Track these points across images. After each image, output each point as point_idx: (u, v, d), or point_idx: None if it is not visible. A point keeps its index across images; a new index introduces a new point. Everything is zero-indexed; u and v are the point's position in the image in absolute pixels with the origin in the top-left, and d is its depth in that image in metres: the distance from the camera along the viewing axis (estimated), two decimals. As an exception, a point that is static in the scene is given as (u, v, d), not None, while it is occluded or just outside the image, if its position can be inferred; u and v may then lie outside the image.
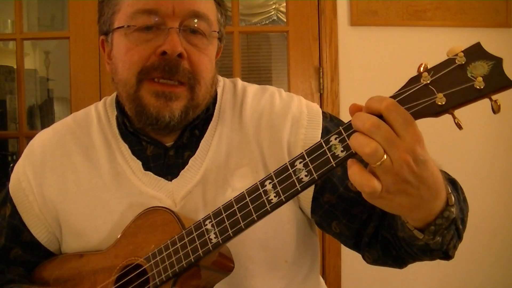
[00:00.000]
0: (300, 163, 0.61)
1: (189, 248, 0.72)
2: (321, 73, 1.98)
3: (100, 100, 0.99)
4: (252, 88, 0.95)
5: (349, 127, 0.57)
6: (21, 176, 0.91)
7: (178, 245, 0.73)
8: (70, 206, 0.88)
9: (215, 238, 0.69)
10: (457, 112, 0.54)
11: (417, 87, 0.55)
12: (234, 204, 0.67)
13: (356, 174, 0.55)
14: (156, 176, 0.87)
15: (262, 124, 0.88)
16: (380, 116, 0.54)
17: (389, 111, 0.53)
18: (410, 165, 0.54)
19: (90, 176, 0.88)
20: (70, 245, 0.90)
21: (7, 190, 0.92)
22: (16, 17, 1.99)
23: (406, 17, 1.99)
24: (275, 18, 3.56)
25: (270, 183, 0.63)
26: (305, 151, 0.60)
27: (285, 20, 2.22)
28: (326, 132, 0.86)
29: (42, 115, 3.40)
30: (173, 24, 0.80)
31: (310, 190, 0.84)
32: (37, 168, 0.90)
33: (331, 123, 0.89)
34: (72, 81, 1.94)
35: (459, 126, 0.54)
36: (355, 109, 0.57)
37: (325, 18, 1.97)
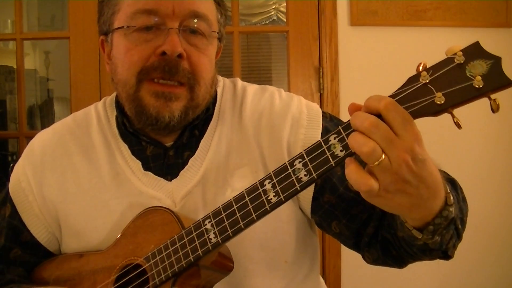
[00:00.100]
0: (299, 162, 0.61)
1: (188, 248, 0.72)
2: (321, 73, 1.98)
3: (100, 100, 0.99)
4: (252, 88, 0.95)
5: (348, 127, 0.57)
6: (21, 176, 0.91)
7: (178, 245, 0.73)
8: (70, 206, 0.88)
9: (214, 237, 0.69)
10: (456, 112, 0.54)
11: (416, 86, 0.55)
12: (234, 203, 0.67)
13: (353, 173, 0.55)
14: (156, 176, 0.87)
15: (262, 124, 0.88)
16: (379, 116, 0.54)
17: (388, 111, 0.54)
18: (409, 165, 0.54)
19: (90, 176, 0.88)
20: (69, 245, 0.90)
21: (7, 190, 0.92)
22: (16, 17, 1.99)
23: (406, 17, 1.99)
24: (275, 18, 3.56)
25: (269, 182, 0.63)
26: (304, 150, 0.60)
27: (285, 20, 2.22)
28: (326, 132, 0.86)
29: (42, 115, 3.40)
30: (172, 25, 0.80)
31: (310, 190, 0.84)
32: (37, 168, 0.90)
33: (331, 123, 0.89)
34: (72, 81, 1.94)
35: (458, 126, 0.54)
36: (354, 109, 0.57)
37: (325, 18, 1.97)
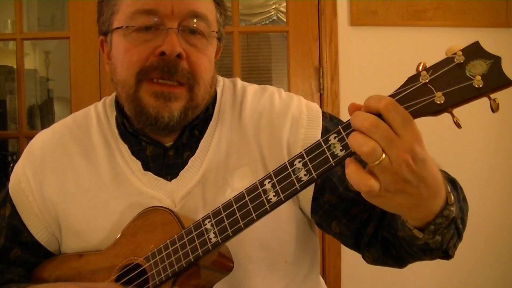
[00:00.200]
0: (299, 162, 0.61)
1: (188, 247, 0.72)
2: (321, 73, 1.98)
3: (100, 100, 0.99)
4: (252, 88, 0.95)
5: (348, 126, 0.57)
6: (20, 176, 0.91)
7: (178, 244, 0.73)
8: (70, 206, 0.88)
9: (214, 237, 0.69)
10: (456, 111, 0.54)
11: (416, 86, 0.55)
12: (234, 203, 0.67)
13: (353, 173, 0.55)
14: (156, 176, 0.87)
15: (261, 124, 0.88)
16: (379, 115, 0.54)
17: (387, 110, 0.54)
18: (409, 164, 0.54)
19: (89, 176, 0.88)
20: (69, 245, 0.90)
21: (7, 190, 0.92)
22: (16, 17, 1.99)
23: (406, 17, 1.99)
24: (275, 18, 3.56)
25: (269, 182, 0.63)
26: (304, 150, 0.60)
27: (285, 20, 2.22)
28: (326, 132, 0.86)
29: (42, 115, 3.39)
30: (172, 25, 0.80)
31: (310, 190, 0.84)
32: (37, 168, 0.90)
33: (331, 123, 0.89)
34: (72, 81, 1.94)
35: (458, 125, 0.54)
36: (354, 108, 0.57)
37: (325, 18, 1.97)
